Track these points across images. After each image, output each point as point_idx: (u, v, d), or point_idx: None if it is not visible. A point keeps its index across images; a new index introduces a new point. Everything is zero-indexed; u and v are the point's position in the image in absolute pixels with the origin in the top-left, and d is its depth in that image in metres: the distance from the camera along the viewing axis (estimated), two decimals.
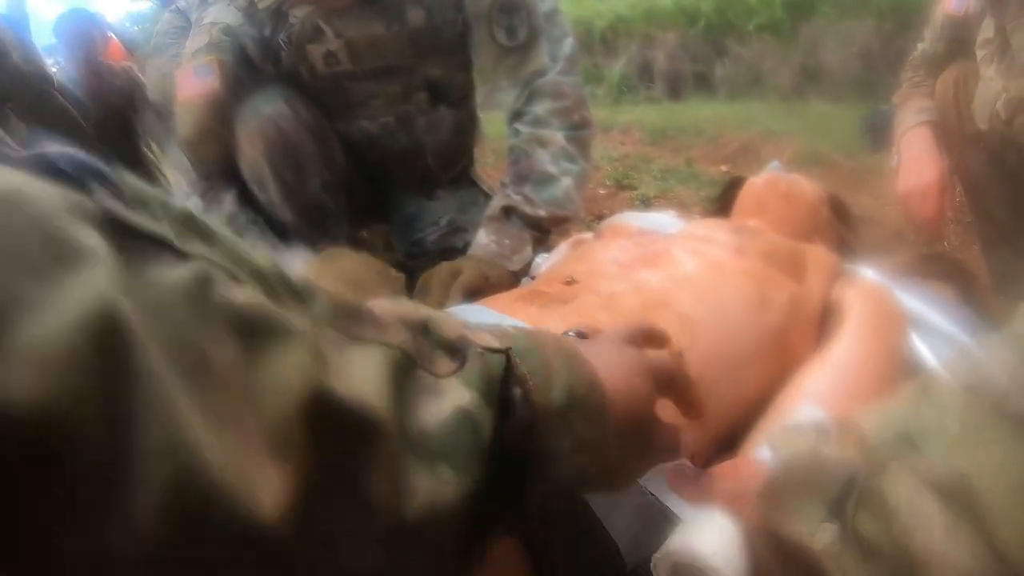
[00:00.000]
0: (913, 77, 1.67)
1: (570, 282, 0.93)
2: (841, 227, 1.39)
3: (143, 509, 0.26)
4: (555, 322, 0.80)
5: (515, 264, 1.37)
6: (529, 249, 1.40)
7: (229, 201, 1.49)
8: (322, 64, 1.50)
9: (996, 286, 1.63)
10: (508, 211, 1.43)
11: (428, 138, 1.66)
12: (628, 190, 2.67)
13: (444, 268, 1.31)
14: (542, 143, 1.44)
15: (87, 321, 0.25)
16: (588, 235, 1.33)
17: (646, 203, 2.45)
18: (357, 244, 1.61)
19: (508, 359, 0.44)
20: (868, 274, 1.16)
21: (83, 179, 0.30)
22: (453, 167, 1.77)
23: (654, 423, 0.56)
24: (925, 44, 1.66)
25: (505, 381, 0.43)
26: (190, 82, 1.47)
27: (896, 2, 6.64)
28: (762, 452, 0.78)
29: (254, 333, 0.31)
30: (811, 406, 0.83)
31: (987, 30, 1.44)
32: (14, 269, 0.24)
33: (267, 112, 1.45)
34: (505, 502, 0.42)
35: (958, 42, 1.56)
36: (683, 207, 2.24)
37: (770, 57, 6.42)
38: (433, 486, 0.36)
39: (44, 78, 2.31)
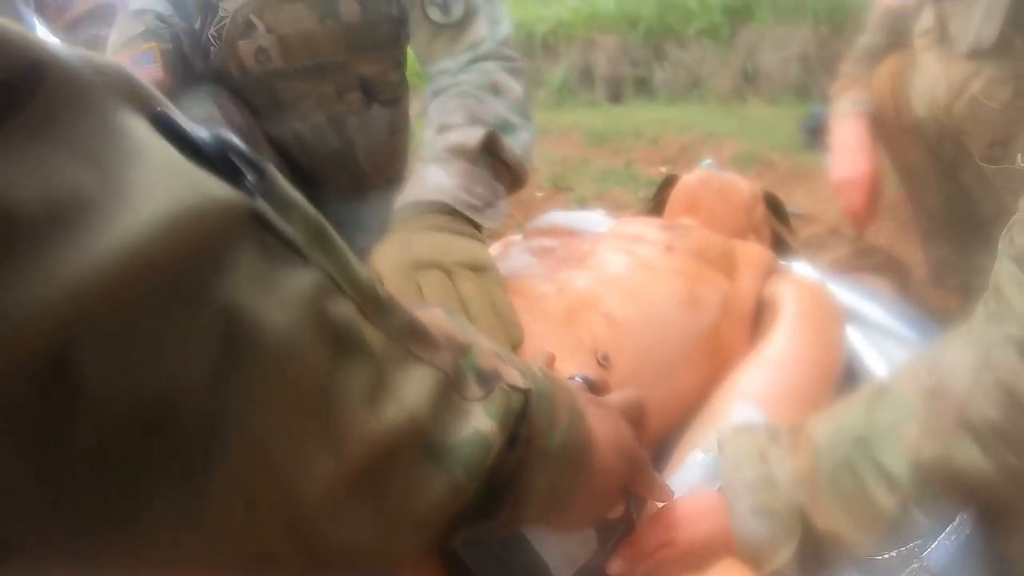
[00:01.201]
0: (852, 70, 1.66)
1: (504, 282, 0.88)
2: (776, 224, 1.37)
3: (220, 482, 0.31)
4: (483, 327, 0.77)
5: (490, 220, 1.05)
6: (503, 206, 1.08)
7: None
8: (253, 61, 1.44)
9: (933, 278, 1.63)
10: (487, 142, 1.10)
11: (361, 139, 1.61)
12: (565, 192, 2.64)
13: (397, 249, 1.00)
14: (496, 91, 1.24)
15: (218, 316, 0.30)
16: (517, 237, 1.28)
17: (583, 204, 2.42)
18: None
19: (527, 400, 0.49)
20: (803, 269, 1.14)
21: (243, 174, 0.33)
22: (387, 170, 1.71)
23: (617, 496, 0.63)
24: (864, 37, 1.66)
25: (519, 418, 0.48)
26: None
27: (832, 7, 6.76)
28: (696, 456, 0.74)
29: (340, 347, 0.36)
30: (747, 404, 0.80)
31: (926, 19, 1.46)
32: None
33: (197, 115, 1.35)
34: (479, 516, 0.47)
35: (897, 34, 1.57)
36: (619, 207, 2.22)
37: (709, 61, 6.48)
38: (446, 488, 0.42)
39: None
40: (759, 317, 0.97)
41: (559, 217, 1.16)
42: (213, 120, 1.35)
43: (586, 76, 6.85)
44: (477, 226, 1.01)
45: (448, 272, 0.90)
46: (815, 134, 3.05)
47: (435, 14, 1.35)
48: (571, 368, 0.72)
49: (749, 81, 6.19)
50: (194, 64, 1.43)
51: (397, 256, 0.95)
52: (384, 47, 1.49)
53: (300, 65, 1.46)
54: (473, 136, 1.09)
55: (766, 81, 6.07)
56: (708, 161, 1.39)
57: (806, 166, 2.74)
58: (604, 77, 6.77)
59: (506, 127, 1.17)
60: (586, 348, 0.77)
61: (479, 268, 0.91)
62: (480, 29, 1.34)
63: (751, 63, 6.27)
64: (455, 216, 1.00)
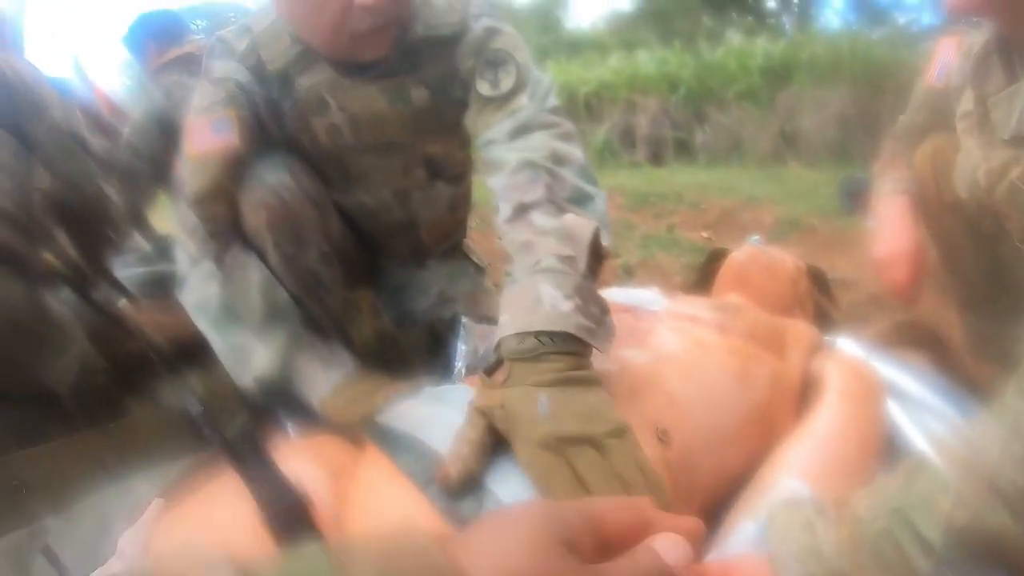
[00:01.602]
0: (893, 147, 1.71)
1: None
2: (820, 297, 1.43)
3: None
4: None
5: (604, 341, 0.96)
6: (610, 321, 1.00)
7: (256, 268, 1.43)
8: (325, 136, 1.48)
9: (972, 350, 1.66)
10: (593, 241, 1.05)
11: (423, 213, 1.65)
12: (611, 258, 2.70)
13: (533, 414, 0.88)
14: (560, 161, 1.22)
15: None
16: None
17: (629, 272, 2.48)
18: (346, 308, 1.59)
19: None
20: (846, 345, 1.19)
21: None
22: (446, 240, 1.77)
23: None
24: (906, 115, 1.70)
25: None
26: (207, 136, 1.41)
27: (869, 68, 6.83)
28: (746, 527, 0.80)
29: None
30: (794, 479, 0.85)
31: (967, 102, 1.46)
32: None
33: (271, 182, 1.41)
34: None
35: (938, 113, 1.57)
36: (664, 275, 2.28)
37: (749, 123, 6.55)
38: None
39: (76, 138, 2.28)
40: (805, 393, 1.03)
41: (616, 294, 1.21)
42: (284, 186, 1.40)
43: (627, 137, 6.97)
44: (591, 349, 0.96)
45: (598, 446, 0.84)
46: (854, 199, 3.10)
47: (485, 88, 1.40)
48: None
49: (788, 142, 6.27)
50: (270, 132, 1.46)
51: (539, 428, 0.85)
52: (450, 129, 1.51)
53: (369, 142, 1.50)
54: (580, 242, 1.05)
55: (805, 142, 6.14)
56: (756, 238, 1.45)
57: (846, 231, 2.78)
58: (645, 138, 6.88)
59: (582, 197, 1.18)
60: (648, 424, 0.83)
61: (620, 431, 0.85)
62: (523, 99, 1.37)
63: (790, 124, 6.35)
64: (577, 351, 0.94)
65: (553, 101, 1.39)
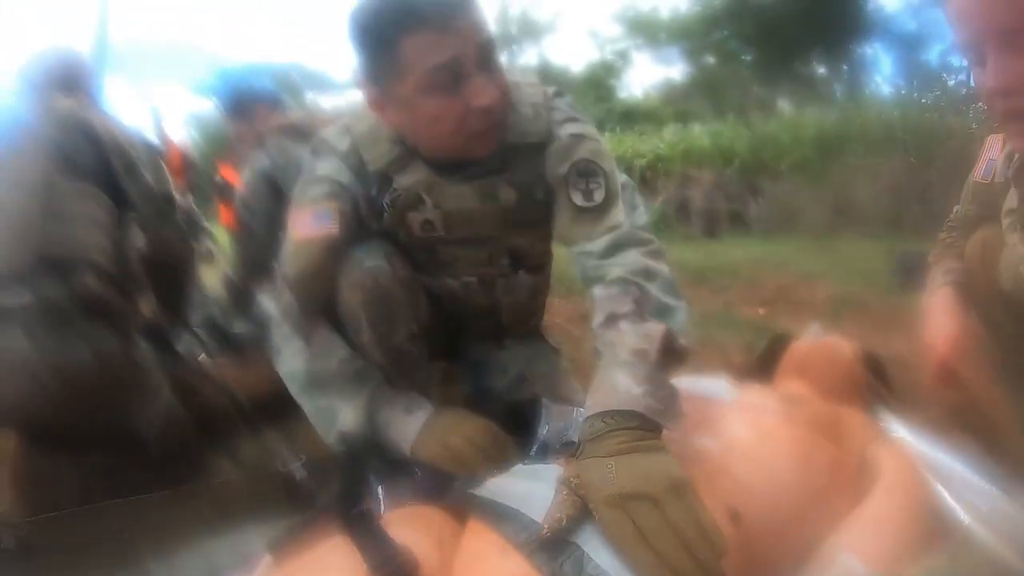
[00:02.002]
0: (947, 238, 1.76)
1: None
2: (876, 382, 1.53)
3: None
4: None
5: (671, 420, 1.11)
6: (678, 403, 1.15)
7: (339, 345, 1.57)
8: (419, 229, 1.60)
9: (1022, 433, 1.72)
10: (667, 342, 1.23)
11: (505, 299, 1.76)
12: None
13: (601, 479, 1.02)
14: (648, 277, 1.37)
15: None
16: None
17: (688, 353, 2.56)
18: (428, 379, 1.70)
19: None
20: (900, 431, 1.30)
21: None
22: (525, 324, 1.89)
23: None
24: (960, 206, 1.75)
25: None
26: (309, 224, 1.54)
27: (922, 137, 6.89)
28: None
29: None
30: (850, 556, 0.96)
31: (1011, 200, 1.50)
32: None
33: (368, 266, 1.54)
34: None
35: (987, 207, 1.61)
36: (723, 354, 2.37)
37: (802, 195, 6.65)
38: None
39: (168, 199, 2.36)
40: (861, 476, 1.13)
41: (690, 384, 1.28)
42: (381, 270, 1.54)
43: (682, 210, 7.11)
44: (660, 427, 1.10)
45: (655, 501, 0.95)
46: (909, 275, 3.16)
47: (578, 199, 1.51)
48: None
49: (842, 213, 6.33)
50: (368, 224, 1.59)
51: (606, 489, 0.99)
52: (533, 225, 1.63)
53: (459, 236, 1.62)
54: (653, 341, 1.21)
55: (859, 213, 6.20)
56: (816, 326, 1.56)
57: (901, 308, 2.82)
58: (700, 211, 7.01)
59: (665, 311, 1.33)
60: (720, 505, 0.95)
61: (678, 487, 0.97)
62: (618, 214, 1.50)
63: (843, 196, 6.42)
64: (645, 426, 1.07)
65: (643, 217, 1.56)
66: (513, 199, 1.59)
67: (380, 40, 1.37)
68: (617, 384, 1.15)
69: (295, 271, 1.58)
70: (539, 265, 1.75)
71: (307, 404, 1.56)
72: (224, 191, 7.07)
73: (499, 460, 1.30)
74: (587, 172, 1.53)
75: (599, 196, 1.51)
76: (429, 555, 0.98)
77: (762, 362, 1.55)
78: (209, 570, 1.26)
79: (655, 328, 1.24)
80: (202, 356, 2.69)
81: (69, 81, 2.31)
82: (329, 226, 1.53)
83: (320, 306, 1.59)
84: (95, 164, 2.06)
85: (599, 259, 1.43)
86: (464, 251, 1.66)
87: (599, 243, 1.46)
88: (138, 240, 2.22)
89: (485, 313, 1.78)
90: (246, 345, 2.84)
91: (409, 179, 1.56)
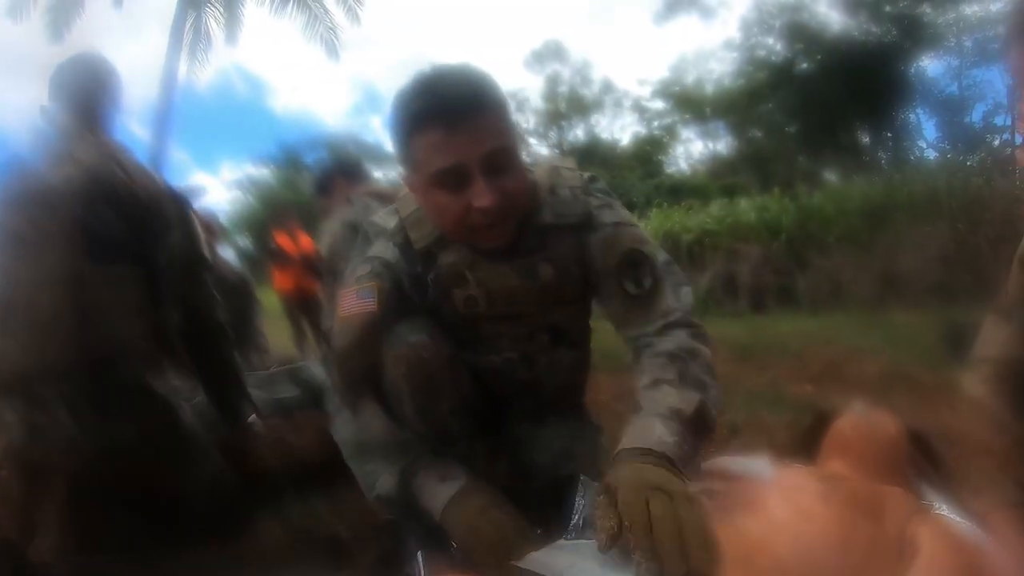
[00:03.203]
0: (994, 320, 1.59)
1: None
2: (921, 460, 1.55)
3: None
4: None
5: (691, 471, 1.31)
6: (699, 459, 1.43)
7: (381, 416, 1.65)
8: (462, 305, 1.68)
9: None
10: (700, 412, 1.41)
11: (547, 374, 1.81)
12: (717, 415, 2.79)
13: (632, 498, 1.18)
14: (692, 355, 1.54)
15: None
16: None
17: (735, 431, 2.58)
18: (471, 455, 1.73)
19: None
20: (944, 508, 1.33)
21: None
22: (567, 400, 1.93)
23: None
24: (1008, 285, 1.65)
25: None
26: (353, 302, 1.63)
27: (967, 201, 6.84)
28: None
29: None
30: None
31: None
32: None
33: (412, 341, 1.61)
34: None
35: None
36: (769, 433, 2.39)
37: (849, 267, 6.63)
38: None
39: (199, 260, 2.35)
40: (901, 554, 1.12)
41: (732, 463, 1.37)
42: (423, 344, 1.61)
43: (730, 285, 7.12)
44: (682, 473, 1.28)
45: (671, 496, 1.15)
46: (957, 346, 3.14)
47: (631, 288, 1.63)
48: None
49: (890, 285, 6.29)
50: (412, 300, 1.68)
51: (634, 477, 1.22)
52: (572, 302, 1.72)
53: (500, 312, 1.69)
54: (690, 405, 1.41)
55: (907, 283, 6.15)
56: (859, 404, 1.60)
57: (949, 382, 2.80)
58: (747, 286, 7.01)
59: (703, 387, 1.47)
60: None
61: (693, 499, 1.16)
62: (668, 299, 1.63)
63: (891, 266, 6.39)
64: (671, 465, 1.27)
65: (689, 296, 1.69)
66: (552, 276, 1.67)
67: (398, 132, 1.49)
68: (654, 430, 1.35)
69: (340, 346, 1.67)
70: (578, 341, 1.81)
71: (355, 468, 1.69)
72: (277, 256, 7.30)
73: (516, 552, 1.36)
74: (636, 262, 1.64)
75: (648, 283, 1.64)
76: None
77: (805, 440, 1.56)
78: None
79: (693, 396, 1.42)
80: (252, 418, 2.76)
81: (91, 103, 2.16)
82: (369, 304, 1.62)
83: (364, 379, 1.67)
84: (123, 235, 1.99)
85: (651, 337, 1.58)
86: (506, 327, 1.74)
87: (654, 326, 1.60)
88: (170, 313, 2.19)
89: (527, 389, 1.84)
90: (296, 408, 2.92)
91: (452, 257, 1.65)
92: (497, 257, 1.64)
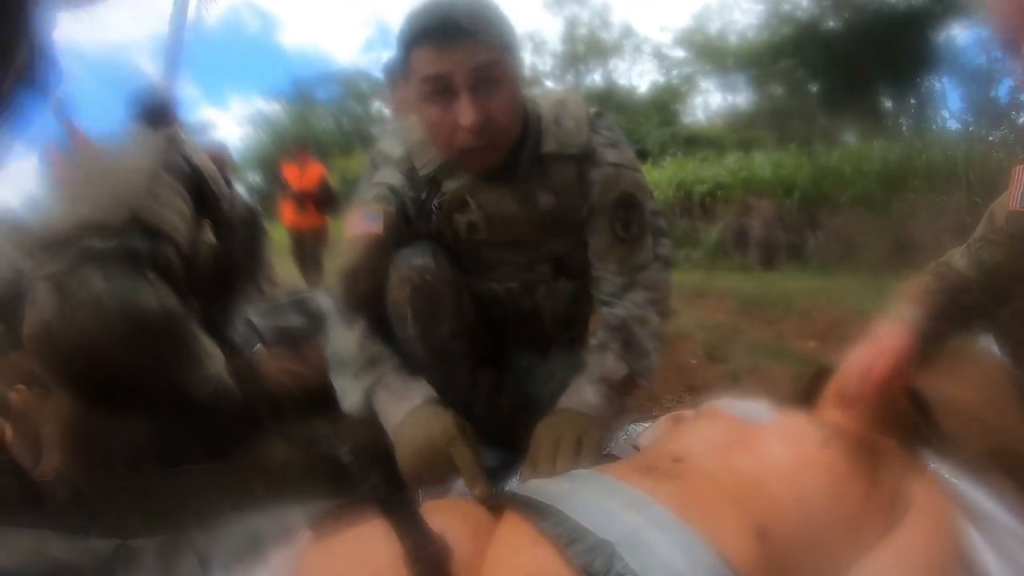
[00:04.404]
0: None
1: (678, 460, 1.13)
2: (919, 419, 1.54)
3: None
4: (670, 496, 1.00)
5: (614, 428, 1.64)
6: (619, 423, 1.69)
7: (361, 327, 1.70)
8: (464, 230, 1.73)
9: None
10: (627, 379, 1.68)
11: (547, 304, 1.87)
12: (718, 363, 2.80)
13: (546, 434, 1.53)
14: (642, 323, 1.71)
15: None
16: (688, 412, 1.52)
17: (735, 378, 2.59)
18: (471, 384, 1.83)
19: None
20: (936, 468, 1.32)
21: None
22: (567, 331, 1.96)
23: None
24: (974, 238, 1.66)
25: None
26: (359, 224, 1.69)
27: (985, 174, 6.76)
28: None
29: None
30: None
31: None
32: None
33: (416, 263, 1.68)
34: None
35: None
36: (772, 384, 2.39)
37: (862, 229, 6.57)
38: None
39: (240, 221, 2.82)
40: (893, 509, 1.14)
41: (730, 405, 1.36)
42: (427, 268, 1.68)
43: (740, 239, 7.09)
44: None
45: (577, 436, 1.49)
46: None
47: (619, 230, 1.70)
48: (732, 539, 0.96)
49: (902, 251, 6.24)
50: (417, 225, 1.74)
51: (553, 421, 1.56)
52: (572, 232, 1.75)
53: (501, 238, 1.74)
54: (620, 373, 1.67)
55: (919, 251, 6.09)
56: None
57: (953, 351, 2.79)
58: (758, 241, 6.97)
59: (644, 355, 1.70)
60: (749, 523, 0.98)
61: (588, 438, 1.50)
62: (647, 250, 1.74)
63: (904, 232, 6.33)
64: (591, 424, 1.55)
65: (666, 247, 1.84)
66: (551, 205, 1.70)
67: (400, 46, 1.53)
68: (584, 393, 1.63)
69: (343, 265, 1.72)
70: (580, 272, 1.83)
71: (335, 383, 1.72)
72: (284, 189, 7.34)
73: (471, 483, 1.42)
74: (629, 205, 1.70)
75: (635, 229, 1.72)
76: (463, 544, 1.04)
77: (806, 392, 1.57)
78: (251, 540, 1.31)
79: (624, 367, 1.67)
80: (258, 346, 2.81)
81: (163, 114, 2.96)
82: (375, 226, 1.67)
83: (363, 300, 1.72)
84: (187, 176, 2.55)
85: (613, 294, 1.73)
86: (507, 255, 1.79)
87: (620, 280, 1.73)
88: (208, 237, 2.64)
89: (528, 318, 1.89)
90: (302, 338, 2.95)
91: (455, 182, 1.70)
92: (498, 183, 1.68)
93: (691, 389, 2.34)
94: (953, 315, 1.57)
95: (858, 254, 6.24)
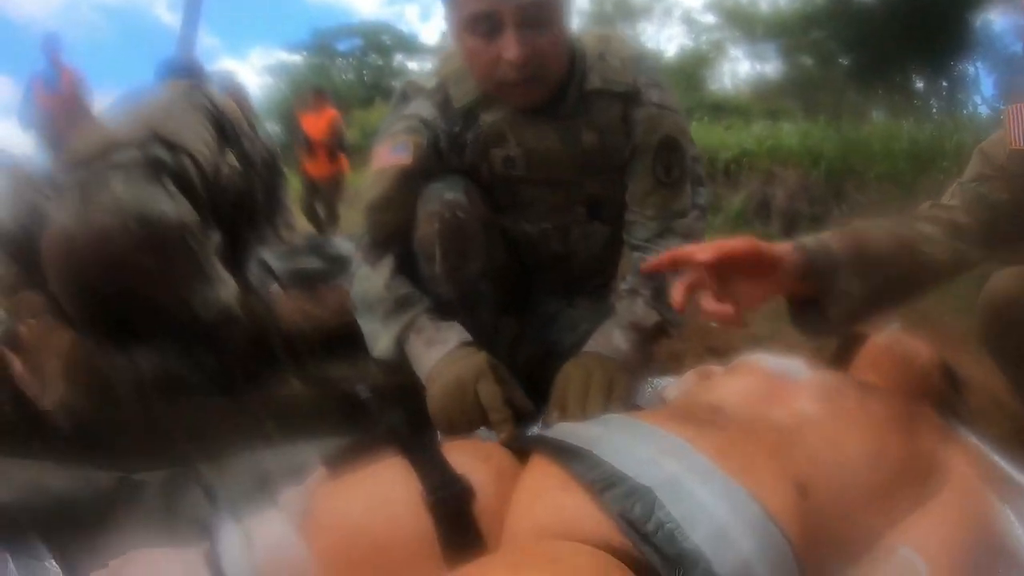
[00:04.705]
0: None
1: (716, 410, 1.09)
2: (949, 392, 1.52)
3: None
4: (708, 445, 0.96)
5: (640, 376, 1.57)
6: (646, 372, 1.62)
7: (388, 267, 1.64)
8: (500, 165, 1.67)
9: None
10: (657, 328, 1.63)
11: (580, 247, 1.82)
12: (740, 327, 2.75)
13: (575, 376, 1.48)
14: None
15: None
16: (716, 367, 1.48)
17: (758, 342, 2.55)
18: (494, 332, 1.76)
19: None
20: (970, 439, 1.29)
21: None
22: (597, 278, 1.93)
23: None
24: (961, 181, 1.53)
25: None
26: (387, 155, 1.63)
27: (1016, 163, 6.62)
28: None
29: None
30: (912, 551, 0.97)
31: None
32: None
33: (448, 198, 1.60)
34: None
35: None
36: (792, 350, 2.35)
37: (888, 207, 6.47)
38: None
39: (261, 163, 2.81)
40: (929, 477, 1.10)
41: (767, 360, 1.33)
42: (458, 203, 1.61)
43: (763, 208, 7.00)
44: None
45: (604, 380, 1.46)
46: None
47: (660, 174, 1.64)
48: (773, 493, 0.93)
49: None
50: (449, 160, 1.66)
51: (581, 362, 1.53)
52: (611, 173, 1.70)
53: (538, 176, 1.68)
54: (650, 320, 1.63)
55: None
56: (895, 326, 1.55)
57: (974, 330, 2.75)
58: (781, 210, 6.90)
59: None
60: (789, 477, 0.95)
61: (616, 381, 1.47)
62: (686, 197, 1.68)
63: None
64: (620, 369, 1.51)
65: (703, 196, 1.78)
66: (594, 143, 1.65)
67: None
68: (613, 338, 1.58)
69: (369, 199, 1.67)
70: (615, 216, 1.78)
71: (362, 327, 1.66)
72: (299, 139, 7.30)
73: (483, 425, 1.37)
74: (672, 148, 1.65)
75: (676, 174, 1.66)
76: (486, 485, 1.01)
77: (838, 355, 1.54)
78: (260, 478, 1.27)
79: (655, 315, 1.62)
80: (274, 287, 2.79)
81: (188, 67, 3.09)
82: (404, 157, 1.61)
83: (392, 236, 1.66)
84: (210, 112, 2.60)
85: (647, 239, 1.67)
86: (542, 193, 1.73)
87: (656, 225, 1.67)
88: (232, 163, 2.65)
89: (558, 262, 1.84)
90: (320, 280, 2.93)
91: (494, 115, 1.63)
92: (540, 118, 1.62)
93: (712, 350, 2.30)
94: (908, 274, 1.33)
95: None
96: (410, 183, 1.63)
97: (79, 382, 1.93)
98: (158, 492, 1.30)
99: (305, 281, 2.92)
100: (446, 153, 1.66)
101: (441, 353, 1.49)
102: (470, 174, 1.68)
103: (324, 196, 7.48)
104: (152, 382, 2.05)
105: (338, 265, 3.01)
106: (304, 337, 2.48)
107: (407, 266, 1.66)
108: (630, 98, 1.63)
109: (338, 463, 1.09)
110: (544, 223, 1.77)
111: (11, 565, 1.03)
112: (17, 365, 1.93)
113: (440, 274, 1.64)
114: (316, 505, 1.01)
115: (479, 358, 1.45)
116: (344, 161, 7.73)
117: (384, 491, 1.02)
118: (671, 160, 1.64)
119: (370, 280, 1.65)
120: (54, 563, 1.06)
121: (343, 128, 7.81)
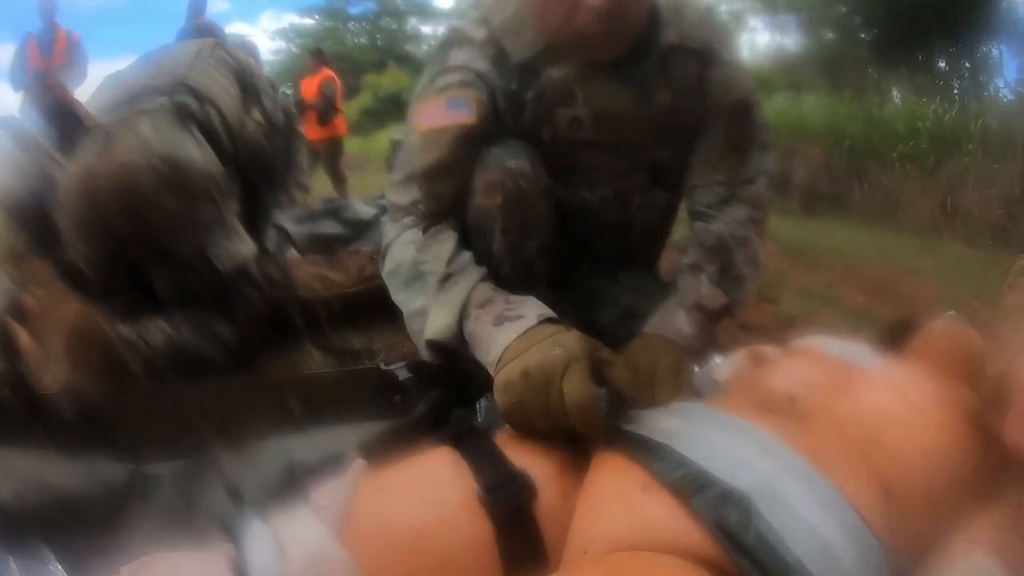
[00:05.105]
0: None
1: (792, 400, 1.02)
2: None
3: None
4: (793, 440, 0.90)
5: (699, 363, 1.33)
6: (711, 354, 1.39)
7: (450, 239, 1.46)
8: (565, 127, 1.52)
9: None
10: (723, 309, 1.53)
11: (639, 217, 1.72)
12: (771, 304, 2.72)
13: (641, 359, 1.27)
14: (741, 244, 1.55)
15: None
16: (768, 349, 1.40)
17: (790, 321, 2.51)
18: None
19: None
20: None
21: None
22: (653, 249, 1.85)
23: None
24: None
25: None
26: (441, 113, 1.46)
27: None
28: None
29: None
30: (987, 555, 0.92)
31: None
32: None
33: (511, 166, 1.46)
34: None
35: None
36: (824, 329, 2.32)
37: (910, 188, 6.42)
38: None
39: (279, 126, 2.79)
40: (1001, 471, 1.07)
41: (825, 343, 1.24)
42: (522, 172, 1.46)
43: (783, 183, 6.91)
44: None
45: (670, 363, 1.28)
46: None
47: (732, 136, 1.54)
48: (863, 495, 0.88)
49: (948, 214, 6.10)
50: (505, 121, 1.50)
51: (643, 345, 1.38)
52: (681, 136, 1.57)
53: (606, 139, 1.54)
54: (716, 302, 1.52)
55: (965, 217, 5.97)
56: (951, 312, 1.49)
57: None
58: (801, 187, 6.82)
59: (740, 280, 1.54)
60: (875, 478, 0.89)
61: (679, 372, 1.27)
62: (755, 162, 1.56)
63: (952, 196, 6.18)
64: (685, 356, 1.34)
65: (769, 161, 1.63)
66: (668, 105, 1.53)
67: None
68: (676, 320, 1.46)
69: (424, 164, 1.49)
70: (675, 184, 1.68)
71: (404, 303, 1.47)
72: (299, 104, 7.19)
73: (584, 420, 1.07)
74: (746, 110, 1.55)
75: (748, 137, 1.56)
76: (548, 484, 0.93)
77: (886, 340, 1.49)
78: (287, 467, 1.12)
79: (722, 296, 1.52)
80: (291, 252, 2.74)
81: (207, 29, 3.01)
82: (463, 114, 1.45)
83: (447, 204, 1.50)
84: (232, 68, 2.59)
85: (712, 205, 1.56)
86: (607, 158, 1.59)
87: (722, 191, 1.56)
88: (257, 117, 2.63)
89: (616, 232, 1.72)
90: (337, 245, 2.88)
91: (560, 71, 1.48)
92: (613, 75, 1.48)
93: (744, 327, 2.25)
94: None
95: (902, 212, 6.09)
96: (471, 144, 1.47)
97: (85, 360, 1.82)
98: (173, 486, 1.15)
99: (323, 246, 2.88)
100: (504, 113, 1.50)
101: (518, 331, 1.21)
102: (528, 137, 1.52)
103: (324, 161, 7.29)
104: (165, 357, 1.98)
105: (357, 229, 2.96)
106: (323, 303, 2.43)
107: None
108: (706, 56, 1.51)
109: (376, 452, 0.99)
110: (604, 190, 1.65)
111: (13, 565, 0.91)
112: (24, 337, 1.85)
113: (497, 252, 1.50)
114: (357, 506, 0.92)
115: (570, 340, 1.15)
116: (340, 124, 7.60)
117: (434, 489, 0.93)
118: (744, 123, 1.55)
119: (425, 252, 1.46)
120: (59, 567, 0.93)
121: (335, 89, 7.63)
